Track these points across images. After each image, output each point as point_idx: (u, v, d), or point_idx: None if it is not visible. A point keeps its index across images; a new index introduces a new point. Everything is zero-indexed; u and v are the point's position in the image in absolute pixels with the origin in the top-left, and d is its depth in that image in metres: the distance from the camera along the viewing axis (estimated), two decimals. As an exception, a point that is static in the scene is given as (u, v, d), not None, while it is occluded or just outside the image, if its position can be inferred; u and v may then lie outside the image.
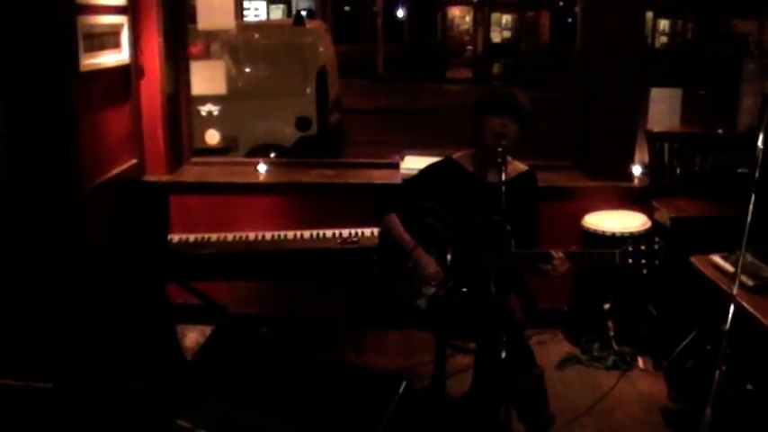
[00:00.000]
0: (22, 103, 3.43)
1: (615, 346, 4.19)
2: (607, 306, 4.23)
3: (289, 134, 7.58)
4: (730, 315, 2.31)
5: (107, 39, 3.87)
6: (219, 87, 4.57)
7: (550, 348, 4.34)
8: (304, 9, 19.55)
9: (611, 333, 4.22)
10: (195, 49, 5.19)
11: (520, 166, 3.24)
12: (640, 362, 4.14)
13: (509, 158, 3.11)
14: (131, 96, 4.24)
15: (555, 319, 4.51)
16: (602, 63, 4.37)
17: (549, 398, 3.15)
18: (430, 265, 3.05)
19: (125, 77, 4.17)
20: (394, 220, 3.14)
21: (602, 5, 4.30)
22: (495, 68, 17.82)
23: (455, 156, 3.25)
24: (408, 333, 4.24)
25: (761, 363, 3.11)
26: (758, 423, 3.19)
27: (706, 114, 5.07)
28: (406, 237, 3.09)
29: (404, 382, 1.83)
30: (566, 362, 4.17)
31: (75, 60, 3.52)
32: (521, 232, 3.15)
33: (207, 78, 4.55)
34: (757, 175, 2.44)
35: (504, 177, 2.85)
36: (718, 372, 2.24)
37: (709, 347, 3.28)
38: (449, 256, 3.08)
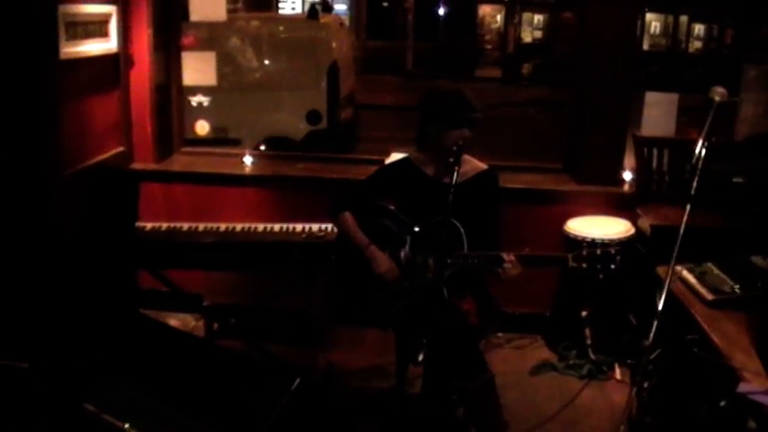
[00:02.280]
0: (3, 89, 3.49)
1: (592, 355, 4.12)
2: (585, 313, 4.16)
3: (299, 128, 7.62)
4: (653, 330, 2.25)
5: (93, 28, 3.91)
6: (210, 78, 4.60)
7: (528, 354, 4.29)
8: (339, 4, 19.59)
9: (588, 341, 4.15)
10: (187, 40, 5.22)
11: (479, 165, 3.20)
12: (618, 372, 4.06)
13: (466, 157, 3.07)
14: (120, 85, 4.29)
15: (537, 324, 4.46)
16: (593, 66, 4.30)
17: (501, 404, 3.10)
18: (383, 263, 3.03)
19: (114, 66, 4.22)
20: (346, 218, 3.13)
21: (593, 9, 4.22)
22: (525, 68, 17.65)
23: (413, 156, 3.22)
24: (387, 332, 4.23)
25: (724, 378, 3.03)
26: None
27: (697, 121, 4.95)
28: (360, 235, 3.08)
29: (297, 379, 1.82)
30: (540, 368, 4.11)
31: (56, 48, 3.57)
32: (481, 233, 3.10)
33: (198, 70, 4.58)
34: (694, 185, 2.36)
35: (456, 178, 2.81)
36: (635, 389, 2.18)
37: (674, 362, 3.21)
38: (402, 257, 3.06)
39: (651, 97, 4.54)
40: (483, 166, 3.21)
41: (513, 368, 4.03)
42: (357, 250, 3.07)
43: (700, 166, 2.35)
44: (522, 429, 3.40)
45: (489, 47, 19.94)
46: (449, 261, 2.84)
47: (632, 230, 4.08)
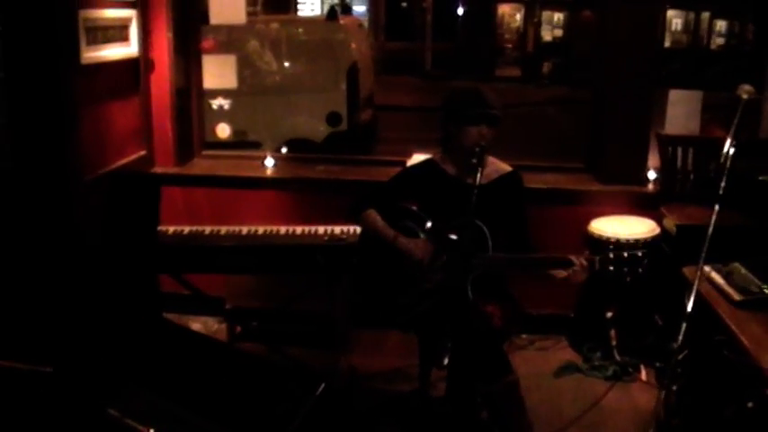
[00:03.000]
0: (24, 94, 3.51)
1: (617, 356, 4.07)
2: (609, 314, 4.11)
3: (319, 130, 7.62)
4: (681, 332, 2.21)
5: (113, 32, 3.93)
6: (230, 82, 4.60)
7: (551, 355, 4.25)
8: (356, 4, 19.60)
9: (614, 342, 4.10)
10: (207, 43, 5.23)
11: (502, 167, 3.17)
12: (643, 373, 4.01)
13: (490, 159, 3.04)
14: (141, 89, 4.30)
15: (560, 325, 4.41)
16: (614, 64, 4.25)
17: (526, 406, 3.07)
18: (416, 248, 2.99)
19: (134, 71, 4.23)
20: (371, 214, 3.10)
21: (614, 6, 4.17)
22: (545, 67, 17.54)
23: (436, 157, 3.20)
24: (410, 335, 4.21)
25: (752, 380, 2.98)
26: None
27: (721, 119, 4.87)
28: (387, 228, 3.05)
29: (322, 384, 1.80)
30: (564, 369, 4.06)
31: (77, 53, 3.59)
32: (511, 236, 3.09)
33: (218, 73, 4.58)
34: (722, 184, 2.32)
35: (479, 179, 2.79)
36: (664, 392, 2.14)
37: (702, 363, 3.16)
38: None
39: (675, 95, 4.45)
40: (507, 167, 3.18)
41: (536, 370, 3.99)
42: (385, 244, 3.03)
43: (728, 165, 2.29)
44: (546, 432, 3.38)
45: (509, 46, 19.84)
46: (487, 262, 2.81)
47: (657, 230, 4.02)
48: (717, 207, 2.28)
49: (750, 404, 3.17)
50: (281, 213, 4.36)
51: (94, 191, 3.74)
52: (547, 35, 19.59)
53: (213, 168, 4.59)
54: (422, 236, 3.03)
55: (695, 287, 2.22)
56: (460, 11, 22.07)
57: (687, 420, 3.33)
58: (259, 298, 4.21)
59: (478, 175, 2.80)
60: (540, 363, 4.14)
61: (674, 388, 3.51)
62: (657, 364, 3.60)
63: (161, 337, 2.14)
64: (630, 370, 4.01)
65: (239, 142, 6.38)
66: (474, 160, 2.83)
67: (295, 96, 7.51)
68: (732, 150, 2.33)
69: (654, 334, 4.09)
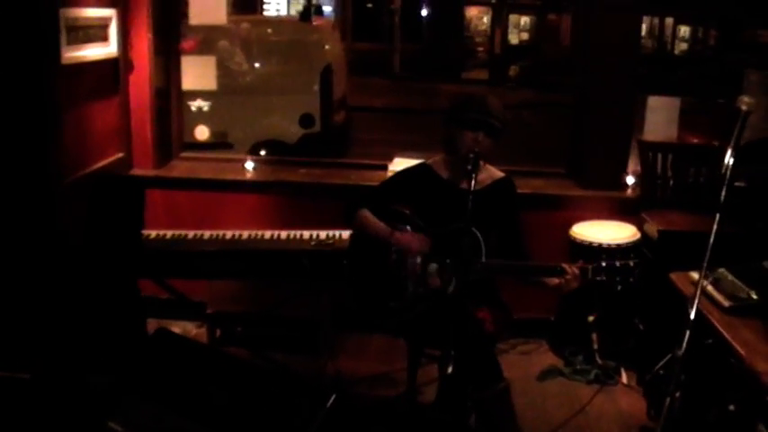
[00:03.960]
0: (5, 95, 3.42)
1: (599, 360, 4.11)
2: (591, 318, 4.15)
3: (292, 131, 7.55)
4: (685, 340, 2.23)
5: (93, 32, 3.85)
6: (210, 83, 4.54)
7: (534, 359, 4.27)
8: (323, 4, 19.49)
9: (596, 346, 4.14)
10: (187, 44, 5.16)
11: (496, 173, 3.18)
12: (624, 377, 4.05)
13: (484, 165, 3.04)
14: (120, 90, 4.22)
15: (541, 329, 4.44)
16: (596, 70, 4.29)
17: (516, 412, 3.07)
18: (413, 241, 2.98)
19: (114, 71, 4.15)
20: (365, 214, 3.08)
21: (596, 12, 4.21)
22: (512, 70, 17.67)
23: (429, 161, 3.19)
24: (391, 339, 4.19)
25: (737, 383, 3.02)
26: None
27: (708, 125, 4.97)
28: (382, 225, 3.03)
29: (333, 396, 1.78)
30: (547, 373, 4.09)
31: (57, 53, 3.50)
32: (504, 241, 3.10)
33: (198, 74, 4.52)
34: (723, 193, 2.35)
35: (473, 185, 2.78)
36: (669, 399, 2.16)
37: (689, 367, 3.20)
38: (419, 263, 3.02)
39: (653, 102, 4.52)
40: (500, 173, 3.19)
41: (520, 374, 4.00)
42: (381, 241, 3.01)
43: (728, 174, 2.32)
44: (533, 437, 3.39)
45: (480, 49, 19.95)
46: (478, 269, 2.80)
47: (638, 235, 4.06)
48: (717, 216, 2.29)
49: (732, 407, 3.23)
50: (264, 217, 4.31)
51: (75, 193, 3.66)
52: (514, 38, 19.75)
53: (193, 171, 4.53)
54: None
55: (698, 293, 2.22)
56: (426, 12, 22.13)
57: (673, 424, 3.38)
58: (241, 303, 4.16)
59: (473, 181, 2.79)
60: (523, 367, 4.15)
61: (677, 394, 3.58)
62: (654, 371, 3.60)
63: (163, 347, 2.09)
64: (612, 373, 4.06)
65: (212, 144, 6.29)
66: (469, 166, 2.82)
67: (268, 98, 7.44)
68: (732, 161, 2.34)
69: (634, 338, 4.14)
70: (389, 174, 4.37)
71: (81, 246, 3.52)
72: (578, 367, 4.11)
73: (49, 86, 3.48)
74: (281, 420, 1.82)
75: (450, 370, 2.45)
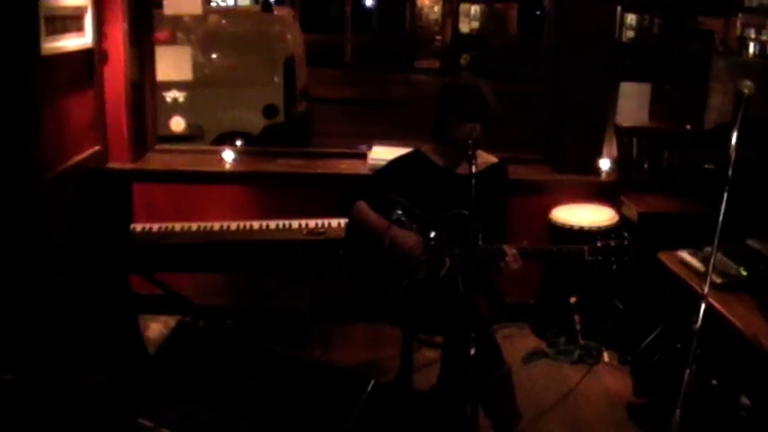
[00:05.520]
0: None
1: (581, 341, 4.21)
2: (573, 300, 4.24)
3: (256, 122, 7.48)
4: (701, 314, 2.30)
5: (70, 22, 3.75)
6: (185, 74, 4.47)
7: (517, 342, 4.33)
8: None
9: (578, 327, 4.23)
10: (161, 34, 5.07)
11: (489, 158, 3.21)
12: (605, 356, 4.16)
13: (478, 151, 3.07)
14: (95, 82, 4.13)
15: (521, 313, 4.51)
16: (572, 57, 4.38)
17: (516, 395, 3.13)
18: (408, 239, 2.99)
19: (88, 62, 4.06)
20: (363, 206, 3.08)
21: (573, 1, 4.28)
22: (464, 59, 17.80)
23: (423, 148, 3.20)
24: (374, 327, 4.21)
25: (727, 359, 3.13)
26: (721, 418, 3.22)
27: (672, 110, 5.09)
28: (379, 219, 3.03)
29: (371, 382, 1.78)
30: (532, 356, 4.17)
31: (37, 44, 3.40)
32: (489, 227, 3.12)
33: (172, 65, 4.45)
34: (730, 172, 2.42)
35: (475, 170, 2.81)
36: (688, 371, 2.23)
37: (677, 344, 3.30)
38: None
39: (625, 88, 4.63)
40: (493, 158, 3.22)
41: (506, 358, 4.06)
42: (376, 235, 3.02)
43: (733, 156, 2.39)
44: (525, 418, 3.43)
45: (438, 38, 19.98)
46: (471, 254, 2.82)
47: (616, 218, 4.16)
48: (725, 195, 2.36)
49: (714, 381, 3.34)
50: (245, 208, 4.28)
51: (56, 189, 3.57)
52: (464, 27, 19.87)
53: (171, 163, 4.46)
54: (414, 228, 3.04)
55: (710, 269, 2.30)
56: (373, 2, 22.07)
57: (659, 399, 3.48)
58: (225, 295, 4.12)
59: (473, 167, 2.82)
60: (507, 350, 4.14)
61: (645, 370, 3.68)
62: (640, 349, 3.68)
63: (186, 340, 2.05)
64: (594, 353, 4.15)
65: (177, 136, 6.19)
66: (470, 152, 2.85)
67: (231, 89, 7.35)
68: (735, 142, 2.42)
69: (614, 319, 4.24)
70: (370, 162, 4.39)
71: (66, 243, 3.44)
72: (562, 348, 4.19)
73: (28, 78, 3.38)
74: (319, 409, 1.81)
75: (472, 352, 2.48)
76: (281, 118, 7.54)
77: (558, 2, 4.52)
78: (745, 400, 3.29)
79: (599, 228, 4.04)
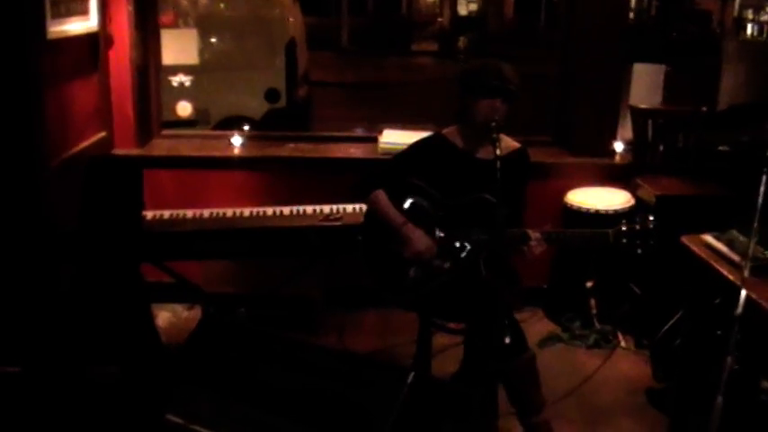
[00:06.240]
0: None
1: (597, 325, 4.16)
2: (590, 284, 4.19)
3: (257, 106, 7.38)
4: (742, 300, 2.25)
5: (75, 5, 3.66)
6: (191, 57, 4.39)
7: (531, 327, 4.26)
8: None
9: (594, 311, 4.19)
10: (165, 18, 4.97)
11: (511, 143, 3.14)
12: (621, 340, 4.11)
13: (501, 135, 3.00)
14: (100, 66, 4.04)
15: (535, 297, 4.46)
16: (585, 38, 4.30)
17: (540, 382, 3.08)
18: (421, 241, 2.93)
19: (93, 46, 3.97)
20: (381, 196, 3.01)
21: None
22: (462, 42, 17.64)
23: (444, 131, 3.13)
24: (386, 313, 4.16)
25: (749, 343, 3.08)
26: (742, 401, 3.18)
27: (682, 93, 5.02)
28: (395, 214, 2.97)
29: (412, 374, 1.72)
30: (547, 340, 4.13)
31: (43, 27, 3.32)
32: (509, 211, 3.07)
33: (178, 48, 4.35)
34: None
35: (498, 154, 2.75)
36: (730, 357, 2.18)
37: (716, 330, 3.23)
38: (437, 236, 2.98)
39: (639, 69, 4.57)
40: (515, 143, 3.16)
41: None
42: (391, 229, 2.96)
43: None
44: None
45: (438, 19, 19.77)
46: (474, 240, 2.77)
47: (632, 201, 4.11)
48: (764, 178, 2.30)
49: (735, 366, 3.30)
50: (253, 194, 4.21)
51: (62, 176, 3.49)
52: (462, 9, 19.68)
53: (177, 149, 4.38)
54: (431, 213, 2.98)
55: (750, 253, 2.23)
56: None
57: (680, 384, 3.44)
58: (235, 283, 4.06)
59: (497, 150, 2.75)
60: (522, 335, 4.16)
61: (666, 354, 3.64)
62: (660, 334, 3.63)
63: (215, 333, 1.98)
64: (610, 337, 4.11)
65: (175, 122, 6.10)
66: (494, 135, 2.78)
67: (233, 73, 7.25)
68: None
69: (630, 303, 4.20)
70: (381, 146, 4.32)
71: (73, 231, 3.37)
72: (577, 332, 4.15)
73: (33, 63, 3.29)
74: (357, 402, 1.75)
75: (507, 340, 2.43)
76: (282, 102, 7.45)
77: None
78: (766, 384, 3.25)
79: (615, 211, 4.00)
